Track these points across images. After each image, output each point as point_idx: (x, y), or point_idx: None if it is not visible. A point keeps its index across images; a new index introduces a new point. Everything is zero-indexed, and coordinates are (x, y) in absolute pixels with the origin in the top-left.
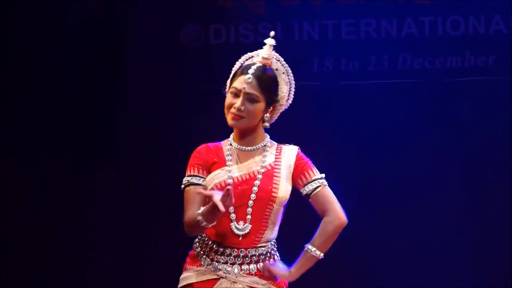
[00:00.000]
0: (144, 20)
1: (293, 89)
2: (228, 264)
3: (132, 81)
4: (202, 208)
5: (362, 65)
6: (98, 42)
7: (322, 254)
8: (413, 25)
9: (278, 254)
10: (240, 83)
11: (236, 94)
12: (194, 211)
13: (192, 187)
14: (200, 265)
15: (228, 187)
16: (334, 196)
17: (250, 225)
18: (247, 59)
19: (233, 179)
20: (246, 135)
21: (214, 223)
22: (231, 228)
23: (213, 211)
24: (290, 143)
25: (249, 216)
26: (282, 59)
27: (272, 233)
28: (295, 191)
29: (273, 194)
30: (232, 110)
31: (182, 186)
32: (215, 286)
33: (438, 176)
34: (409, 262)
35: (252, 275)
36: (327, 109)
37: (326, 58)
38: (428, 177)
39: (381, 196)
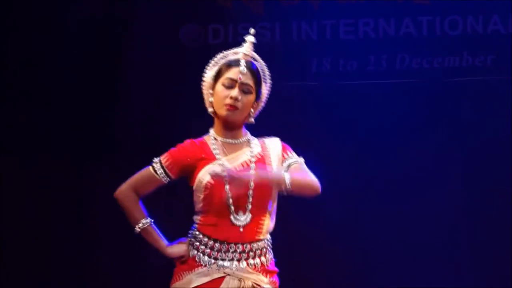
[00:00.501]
0: (143, 20)
1: (269, 89)
2: (235, 261)
3: (132, 81)
4: (152, 232)
5: (361, 65)
6: (97, 42)
7: (289, 184)
8: (411, 25)
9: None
10: (235, 74)
11: (230, 86)
12: (131, 187)
13: (153, 172)
14: (200, 266)
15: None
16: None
17: (250, 215)
18: (225, 56)
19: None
20: (232, 129)
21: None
22: (231, 220)
23: (156, 247)
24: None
25: (249, 206)
26: (259, 59)
27: (271, 223)
28: None
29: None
30: (228, 101)
31: (151, 161)
32: (221, 286)
33: (437, 176)
34: (409, 262)
35: (258, 270)
36: (325, 109)
37: (325, 58)
38: (427, 177)
39: (380, 196)
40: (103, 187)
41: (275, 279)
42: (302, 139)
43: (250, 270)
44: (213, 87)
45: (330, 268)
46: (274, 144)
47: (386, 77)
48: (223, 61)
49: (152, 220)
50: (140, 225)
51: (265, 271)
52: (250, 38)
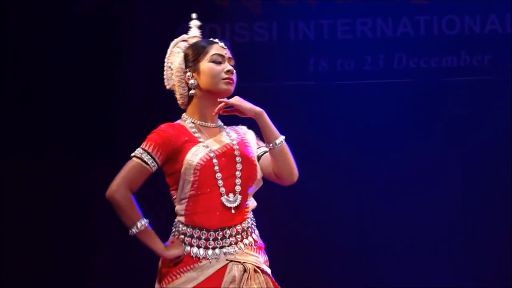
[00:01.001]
0: (141, 20)
1: None
2: (233, 244)
3: (131, 80)
4: (150, 232)
5: (358, 65)
6: (96, 42)
7: (281, 142)
8: (408, 24)
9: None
10: (220, 49)
11: (219, 62)
12: (125, 185)
13: (141, 162)
14: (198, 261)
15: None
16: None
17: (240, 196)
18: (184, 42)
19: (214, 153)
20: (210, 109)
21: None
22: (222, 202)
23: (154, 250)
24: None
25: (238, 187)
26: None
27: (253, 202)
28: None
29: (254, 162)
30: (225, 75)
31: (132, 154)
32: (225, 274)
33: (434, 175)
34: (409, 262)
35: (253, 249)
36: (323, 108)
37: (322, 58)
38: (425, 176)
39: (379, 196)
40: (103, 187)
41: (266, 256)
42: (300, 138)
43: (249, 251)
44: (193, 69)
45: (330, 268)
46: (247, 131)
47: (384, 77)
48: (190, 45)
49: (148, 220)
50: (139, 225)
51: (258, 248)
52: (195, 22)
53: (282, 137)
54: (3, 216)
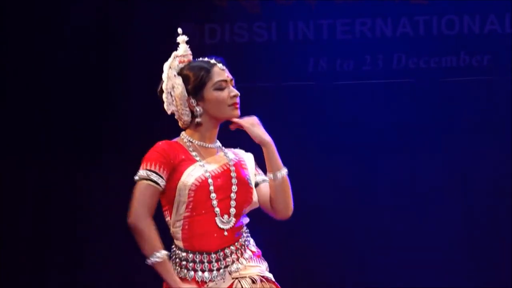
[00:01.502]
0: (141, 20)
1: None
2: (235, 262)
3: (131, 80)
4: (167, 265)
5: (357, 65)
6: (96, 42)
7: (284, 175)
8: (408, 24)
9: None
10: (221, 74)
11: (223, 87)
12: (145, 210)
13: (151, 183)
14: (204, 284)
15: None
16: None
17: (234, 219)
18: (180, 64)
19: (210, 173)
20: (214, 131)
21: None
22: (216, 223)
23: (169, 282)
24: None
25: (233, 210)
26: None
27: (246, 219)
28: None
29: (250, 185)
30: (232, 100)
31: (137, 177)
32: None
33: (433, 175)
34: (409, 262)
35: (253, 259)
36: (322, 108)
37: (321, 58)
38: (424, 176)
39: (378, 196)
40: (103, 187)
41: (266, 263)
42: (299, 138)
43: (250, 264)
44: (197, 97)
45: (329, 268)
46: (244, 154)
47: (383, 77)
48: (189, 69)
49: (168, 252)
50: (159, 256)
51: (257, 257)
52: (182, 38)
53: (285, 170)
54: (3, 216)
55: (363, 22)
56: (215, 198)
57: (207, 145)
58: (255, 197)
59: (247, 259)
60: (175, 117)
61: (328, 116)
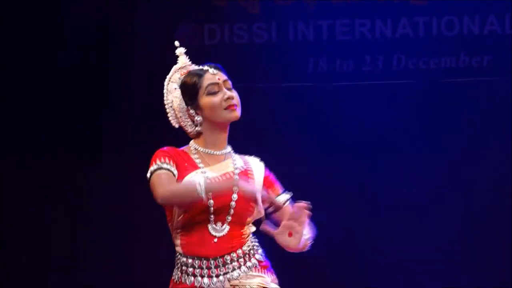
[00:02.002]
0: (140, 20)
1: None
2: (236, 269)
3: (131, 80)
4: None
5: (357, 66)
6: (96, 42)
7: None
8: (407, 25)
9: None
10: (211, 78)
11: (215, 91)
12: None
13: (164, 170)
14: None
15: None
16: None
17: (228, 227)
18: (178, 76)
19: (210, 180)
20: (220, 137)
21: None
22: (208, 230)
23: (225, 186)
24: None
25: (229, 218)
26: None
27: (252, 227)
28: None
29: (253, 195)
30: (225, 103)
31: (149, 174)
32: None
33: (433, 176)
34: (409, 262)
35: (258, 268)
36: (322, 109)
37: (321, 59)
38: (423, 177)
39: (377, 196)
40: (103, 187)
41: (274, 275)
42: (299, 139)
43: (253, 273)
44: (194, 107)
45: (328, 269)
46: (256, 163)
47: (383, 78)
48: (183, 81)
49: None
50: (199, 181)
51: (263, 267)
52: (180, 50)
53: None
54: (3, 216)
55: (362, 22)
56: (212, 205)
57: (213, 152)
58: (259, 207)
59: (250, 267)
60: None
61: (328, 117)
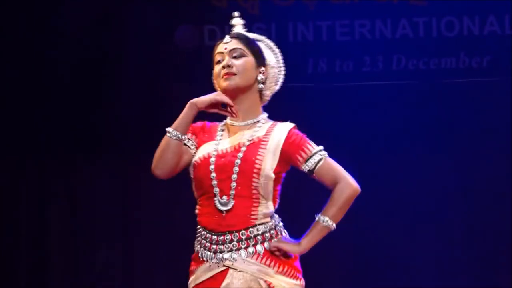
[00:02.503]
0: (140, 22)
1: (281, 58)
2: (233, 251)
3: (131, 81)
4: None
5: (357, 66)
6: (96, 42)
7: (334, 225)
8: (407, 26)
9: (285, 230)
10: (220, 47)
11: (220, 60)
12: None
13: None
14: (203, 261)
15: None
16: (340, 166)
17: (234, 201)
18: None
19: (217, 151)
20: (239, 106)
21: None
22: (215, 204)
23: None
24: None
25: (232, 191)
26: (257, 36)
27: (268, 208)
28: (294, 170)
29: (256, 166)
30: (223, 71)
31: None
32: (225, 279)
33: (433, 176)
34: (409, 262)
35: (260, 257)
36: (321, 110)
37: (321, 59)
38: (423, 177)
39: (377, 197)
40: (103, 187)
41: (289, 267)
42: None
43: (250, 260)
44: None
45: (327, 268)
46: (280, 129)
47: (383, 78)
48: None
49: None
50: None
51: (270, 258)
52: (235, 21)
53: (331, 223)
54: (2, 216)
55: (362, 23)
56: (215, 178)
57: (234, 123)
58: (263, 178)
59: (250, 253)
60: None
61: (328, 117)
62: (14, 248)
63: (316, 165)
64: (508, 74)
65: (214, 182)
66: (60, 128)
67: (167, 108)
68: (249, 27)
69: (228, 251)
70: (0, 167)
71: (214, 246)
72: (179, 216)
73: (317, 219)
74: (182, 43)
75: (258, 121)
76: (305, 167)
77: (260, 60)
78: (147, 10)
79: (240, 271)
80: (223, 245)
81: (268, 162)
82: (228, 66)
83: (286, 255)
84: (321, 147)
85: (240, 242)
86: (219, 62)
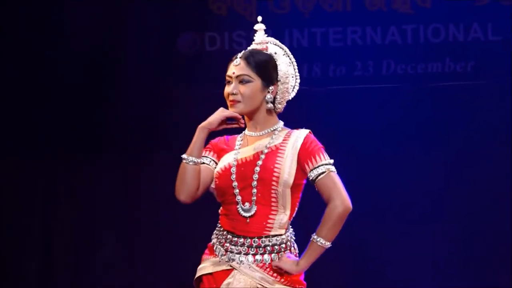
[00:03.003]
0: (140, 22)
1: (297, 71)
2: (242, 254)
3: (131, 82)
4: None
5: (349, 71)
6: (96, 43)
7: (328, 243)
8: (396, 33)
9: (296, 246)
10: (229, 70)
11: (229, 82)
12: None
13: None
14: (216, 255)
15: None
16: (341, 183)
17: (256, 207)
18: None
19: (237, 161)
20: (254, 120)
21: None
22: (238, 210)
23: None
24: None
25: (254, 198)
26: (279, 43)
27: (285, 217)
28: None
29: (275, 174)
30: (230, 97)
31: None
32: (227, 278)
33: (421, 178)
34: (409, 263)
35: (265, 267)
36: (315, 112)
37: (315, 64)
38: (413, 179)
39: (369, 200)
40: (103, 187)
41: (291, 280)
42: None
43: (255, 267)
44: None
45: (327, 269)
46: (297, 136)
47: (373, 82)
48: None
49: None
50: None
51: (274, 269)
52: (258, 26)
53: (324, 242)
54: (3, 216)
55: (354, 30)
56: (237, 187)
57: (252, 134)
58: (282, 185)
59: (257, 261)
60: None
61: (321, 120)
62: (14, 248)
63: (318, 177)
64: (490, 78)
65: (236, 190)
66: (60, 128)
67: (167, 108)
68: (247, 34)
69: (237, 253)
70: (0, 167)
71: (227, 245)
72: (179, 216)
73: (311, 239)
74: (184, 49)
75: (274, 130)
76: (310, 176)
77: (268, 81)
78: (147, 10)
79: (243, 274)
80: (235, 246)
81: (286, 170)
82: (233, 94)
83: (287, 272)
84: (331, 160)
85: (250, 248)
86: (228, 83)
